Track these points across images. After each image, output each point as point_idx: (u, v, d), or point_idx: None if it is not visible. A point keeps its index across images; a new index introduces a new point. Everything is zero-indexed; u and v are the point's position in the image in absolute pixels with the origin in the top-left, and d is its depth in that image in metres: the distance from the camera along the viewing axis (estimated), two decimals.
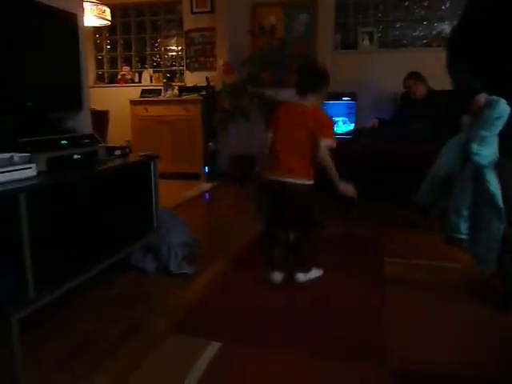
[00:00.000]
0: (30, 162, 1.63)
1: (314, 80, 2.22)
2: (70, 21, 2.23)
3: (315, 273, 2.31)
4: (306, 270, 2.28)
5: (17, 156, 1.57)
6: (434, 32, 4.80)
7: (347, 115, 4.72)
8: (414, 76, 3.64)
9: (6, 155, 1.55)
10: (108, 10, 4.35)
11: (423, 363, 1.59)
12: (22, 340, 1.51)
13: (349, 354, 1.65)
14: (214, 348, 1.67)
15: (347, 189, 2.20)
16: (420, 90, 3.62)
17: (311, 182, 2.18)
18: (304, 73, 2.30)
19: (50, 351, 1.67)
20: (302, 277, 2.26)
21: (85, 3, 3.24)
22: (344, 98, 4.72)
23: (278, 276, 2.25)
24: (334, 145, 2.18)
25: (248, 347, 1.69)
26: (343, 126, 4.66)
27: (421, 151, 3.20)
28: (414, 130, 3.46)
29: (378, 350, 1.67)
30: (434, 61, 4.51)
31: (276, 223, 2.32)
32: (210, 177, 4.99)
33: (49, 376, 1.53)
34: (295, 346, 1.70)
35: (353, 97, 4.72)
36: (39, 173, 1.65)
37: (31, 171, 1.61)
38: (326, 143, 2.12)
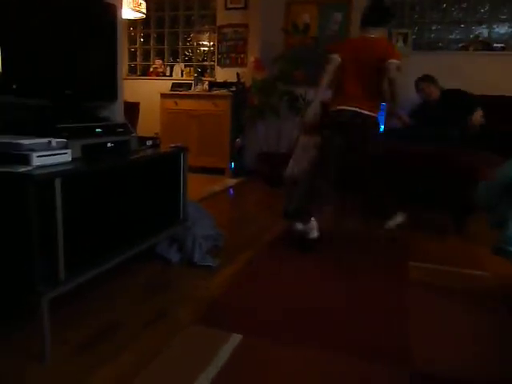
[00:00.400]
0: (66, 147, 1.67)
1: (377, 16, 2.34)
2: (109, 12, 2.27)
3: (400, 217, 2.40)
4: (391, 217, 2.39)
5: (54, 141, 1.61)
6: (471, 35, 4.69)
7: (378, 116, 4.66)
8: (427, 79, 3.57)
9: (45, 140, 1.59)
10: (144, 4, 4.41)
11: (444, 368, 1.56)
12: (51, 320, 1.55)
13: (371, 355, 1.63)
14: (235, 340, 1.68)
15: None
16: (434, 93, 3.55)
17: (376, 115, 2.32)
18: (370, 8, 2.39)
19: (77, 333, 1.71)
20: (391, 223, 2.40)
21: None
22: None
23: (301, 226, 2.39)
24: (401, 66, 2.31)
25: (269, 341, 1.70)
26: None
27: (453, 154, 3.16)
28: (451, 133, 3.39)
29: (399, 352, 1.66)
30: (470, 65, 4.46)
31: (325, 176, 2.37)
32: (235, 172, 5.01)
33: (74, 356, 1.57)
34: (318, 343, 1.70)
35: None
36: (74, 159, 1.69)
37: (67, 156, 1.64)
38: (395, 63, 2.26)
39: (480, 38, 4.61)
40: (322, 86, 2.28)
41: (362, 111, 2.22)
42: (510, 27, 4.60)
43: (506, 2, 4.54)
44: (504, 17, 4.59)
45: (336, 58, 2.25)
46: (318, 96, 2.33)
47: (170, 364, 1.55)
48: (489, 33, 4.65)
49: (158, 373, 1.50)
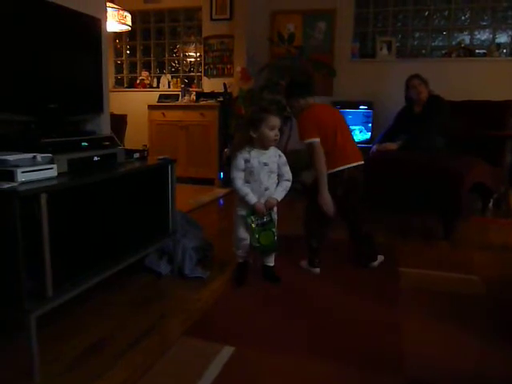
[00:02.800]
0: (51, 162, 1.65)
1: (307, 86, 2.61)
2: (94, 26, 2.27)
3: (380, 258, 2.61)
4: (376, 258, 2.58)
5: (39, 156, 1.60)
6: (453, 42, 4.77)
7: (364, 124, 4.71)
8: (420, 77, 3.61)
9: (30, 155, 1.58)
10: (129, 16, 4.42)
11: (435, 374, 1.57)
12: (39, 337, 1.53)
13: (363, 363, 1.63)
14: (227, 352, 1.67)
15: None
16: (423, 92, 3.58)
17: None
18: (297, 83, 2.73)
19: (67, 349, 1.69)
20: (376, 263, 2.57)
21: (107, 8, 3.29)
22: (361, 107, 4.72)
23: (318, 270, 2.52)
24: None
25: (261, 352, 1.69)
26: (360, 134, 4.66)
27: (440, 160, 3.19)
28: (436, 146, 3.43)
29: (392, 359, 1.65)
30: (453, 71, 4.53)
31: (328, 224, 2.55)
32: (224, 183, 5.01)
33: (64, 373, 1.55)
34: (310, 353, 1.69)
35: (370, 106, 4.71)
36: (60, 173, 1.67)
37: (52, 171, 1.63)
38: None
39: (462, 45, 4.69)
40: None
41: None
42: (490, 33, 4.69)
43: (486, 9, 4.64)
44: (485, 23, 4.69)
45: (317, 142, 2.38)
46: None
47: (161, 378, 1.53)
48: (470, 39, 4.74)
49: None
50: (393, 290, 2.28)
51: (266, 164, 2.20)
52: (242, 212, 2.23)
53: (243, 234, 2.28)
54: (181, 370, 1.58)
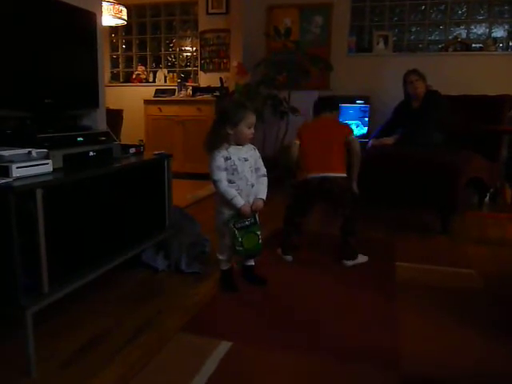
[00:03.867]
0: (46, 157, 1.64)
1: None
2: (89, 20, 2.25)
3: (361, 258, 2.59)
4: (354, 258, 2.57)
5: (35, 151, 1.59)
6: (450, 37, 4.77)
7: (361, 119, 4.71)
8: (418, 72, 3.60)
9: (25, 150, 1.56)
10: (124, 10, 4.39)
11: (432, 368, 1.57)
12: (35, 333, 1.52)
13: (359, 359, 1.63)
14: (224, 347, 1.67)
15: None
16: (421, 88, 3.57)
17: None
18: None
19: (63, 345, 1.68)
20: (350, 262, 2.56)
21: (103, 2, 3.26)
22: (358, 102, 4.71)
23: (290, 258, 2.64)
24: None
25: (258, 348, 1.69)
26: (356, 129, 4.65)
27: (437, 154, 3.19)
28: (434, 141, 3.43)
29: (389, 355, 1.66)
30: (449, 65, 4.52)
31: (301, 215, 2.70)
32: None
33: (61, 369, 1.55)
34: (307, 349, 1.69)
35: (366, 100, 4.70)
36: (55, 169, 1.66)
37: (48, 167, 1.62)
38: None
39: (459, 39, 4.69)
40: None
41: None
42: (487, 28, 4.68)
43: (482, 4, 4.63)
44: (481, 17, 4.68)
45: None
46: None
47: (158, 374, 1.53)
48: (467, 33, 4.73)
49: (147, 382, 1.48)
50: (390, 284, 2.29)
51: (246, 159, 2.08)
52: (225, 215, 2.09)
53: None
54: (178, 365, 1.58)
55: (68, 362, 1.59)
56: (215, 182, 2.06)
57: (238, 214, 2.05)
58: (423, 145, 3.39)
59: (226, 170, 2.06)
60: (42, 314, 1.57)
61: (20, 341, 1.52)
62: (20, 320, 1.48)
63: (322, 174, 2.54)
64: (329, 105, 2.80)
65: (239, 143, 2.08)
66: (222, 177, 2.05)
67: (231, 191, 2.05)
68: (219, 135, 2.07)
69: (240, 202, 2.04)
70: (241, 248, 2.05)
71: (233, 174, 2.06)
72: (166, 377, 1.51)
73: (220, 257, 2.23)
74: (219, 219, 2.14)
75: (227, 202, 2.06)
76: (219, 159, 2.05)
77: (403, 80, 3.65)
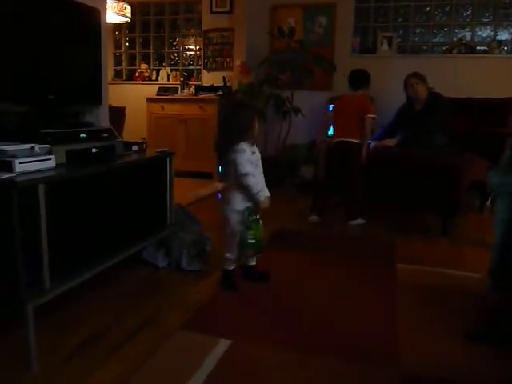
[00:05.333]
0: (49, 153, 1.64)
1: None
2: (93, 16, 2.25)
3: (360, 221, 3.34)
4: (355, 218, 3.34)
5: (38, 147, 1.59)
6: (454, 39, 4.75)
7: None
8: (417, 75, 3.60)
9: (28, 146, 1.56)
10: (128, 8, 4.39)
11: (431, 369, 1.57)
12: (36, 328, 1.52)
13: (358, 357, 1.63)
14: (223, 345, 1.67)
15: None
16: (422, 91, 3.57)
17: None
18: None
19: (64, 341, 1.69)
20: (353, 222, 3.33)
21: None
22: None
23: (316, 219, 3.42)
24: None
25: (258, 346, 1.69)
26: None
27: (439, 156, 3.19)
28: (436, 143, 3.43)
29: (389, 353, 1.66)
30: (453, 68, 4.51)
31: (328, 176, 3.45)
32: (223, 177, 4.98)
33: (61, 364, 1.55)
34: (306, 347, 1.69)
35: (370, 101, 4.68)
36: (58, 165, 1.66)
37: (51, 162, 1.62)
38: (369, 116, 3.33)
39: (463, 41, 4.67)
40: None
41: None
42: (492, 30, 4.67)
43: (488, 6, 4.62)
44: (486, 20, 4.67)
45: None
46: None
47: (158, 371, 1.53)
48: (472, 36, 4.72)
49: (147, 379, 1.48)
50: (391, 286, 2.28)
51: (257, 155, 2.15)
52: (240, 208, 2.08)
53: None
54: (178, 362, 1.58)
55: (69, 357, 1.59)
56: (245, 175, 2.03)
57: (255, 207, 2.09)
58: (425, 147, 3.38)
59: (251, 163, 2.06)
60: (43, 309, 1.56)
61: (21, 335, 1.52)
62: (21, 315, 1.48)
63: (342, 139, 3.35)
64: (353, 83, 3.41)
65: (254, 137, 2.12)
66: (251, 170, 2.04)
67: (258, 185, 2.07)
68: (249, 127, 2.08)
69: (262, 195, 2.08)
70: (253, 241, 2.06)
71: (256, 167, 2.09)
72: (166, 374, 1.51)
73: (228, 255, 2.19)
74: (234, 216, 2.10)
75: (248, 196, 2.07)
76: (249, 152, 2.05)
77: (404, 83, 3.65)
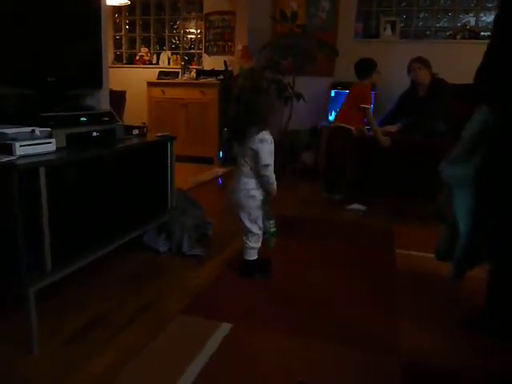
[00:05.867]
0: (50, 136, 1.63)
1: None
2: None
3: (357, 206, 3.43)
4: (351, 203, 3.45)
5: (38, 130, 1.58)
6: (458, 24, 4.69)
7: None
8: (420, 60, 3.56)
9: (28, 129, 1.55)
10: None
11: (431, 356, 1.59)
12: (38, 311, 1.53)
13: (357, 344, 1.64)
14: (225, 329, 1.68)
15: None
16: (424, 76, 3.53)
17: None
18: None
19: (64, 324, 1.70)
20: (348, 206, 3.43)
21: None
22: None
23: (337, 196, 3.60)
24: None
25: (259, 329, 1.70)
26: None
27: (436, 144, 3.18)
28: (437, 130, 3.41)
29: (387, 341, 1.67)
30: (457, 53, 4.46)
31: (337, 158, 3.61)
32: (224, 162, 4.98)
33: (62, 347, 1.56)
34: (307, 332, 1.71)
35: (372, 87, 4.65)
36: (58, 148, 1.65)
37: (51, 146, 1.61)
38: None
39: (467, 27, 4.61)
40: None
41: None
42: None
43: None
44: (491, 5, 4.60)
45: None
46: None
47: (159, 354, 1.54)
48: (476, 21, 4.66)
49: (147, 363, 1.49)
50: (391, 272, 2.29)
51: None
52: (257, 194, 2.09)
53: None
54: (179, 346, 1.59)
55: (70, 341, 1.60)
56: (267, 166, 2.03)
57: (268, 197, 2.11)
58: (426, 133, 3.37)
59: (271, 154, 2.06)
60: (43, 294, 1.57)
61: (20, 320, 1.53)
62: (22, 298, 1.48)
63: (337, 124, 3.53)
64: (358, 73, 3.51)
65: (276, 124, 2.13)
66: (271, 161, 2.04)
67: (273, 175, 2.07)
68: (271, 114, 2.10)
69: (275, 184, 2.09)
70: (274, 229, 2.13)
71: (271, 157, 2.07)
72: (167, 357, 1.53)
73: (254, 245, 2.17)
74: (252, 202, 2.10)
75: (262, 184, 2.08)
76: (272, 144, 2.05)
77: (407, 68, 3.62)
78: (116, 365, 1.47)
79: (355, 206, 3.42)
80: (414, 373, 1.50)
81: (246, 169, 2.08)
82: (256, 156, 2.02)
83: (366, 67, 3.49)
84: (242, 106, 2.04)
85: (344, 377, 1.46)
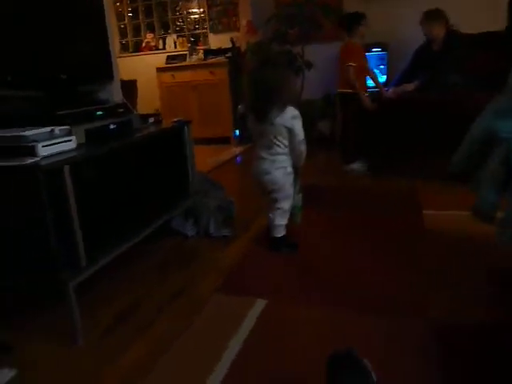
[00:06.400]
0: (69, 134, 1.66)
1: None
2: None
3: (358, 165, 3.48)
4: (352, 162, 3.52)
5: (57, 129, 1.60)
6: None
7: (378, 67, 4.55)
8: (429, 15, 3.42)
9: (47, 129, 1.58)
10: None
11: (463, 318, 1.57)
12: (78, 303, 1.58)
13: (387, 310, 1.65)
14: (260, 305, 1.71)
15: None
16: (435, 32, 3.39)
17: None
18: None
19: (104, 315, 1.75)
20: (348, 167, 3.51)
21: None
22: (374, 49, 4.54)
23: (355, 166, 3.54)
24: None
25: (292, 304, 1.72)
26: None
27: (459, 99, 3.09)
28: (452, 83, 3.31)
29: (417, 304, 1.67)
30: (473, 8, 4.27)
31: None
32: (240, 140, 4.97)
33: (104, 337, 1.62)
34: (338, 304, 1.72)
35: (384, 47, 4.53)
36: (79, 144, 1.68)
37: (72, 143, 1.64)
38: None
39: None
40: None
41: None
42: None
43: None
44: None
45: None
46: None
47: (199, 335, 1.58)
48: None
49: (192, 341, 1.54)
50: (417, 232, 2.28)
51: None
52: (291, 170, 2.12)
53: None
54: (217, 325, 1.63)
55: (111, 329, 1.66)
56: (303, 141, 2.05)
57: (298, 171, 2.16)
58: (441, 87, 3.27)
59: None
60: (81, 284, 1.62)
61: (60, 311, 1.58)
62: (63, 294, 1.53)
63: (338, 90, 3.62)
64: (344, 29, 3.51)
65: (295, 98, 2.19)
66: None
67: None
68: (292, 87, 2.20)
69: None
70: (301, 203, 2.22)
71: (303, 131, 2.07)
72: (207, 337, 1.57)
73: (283, 222, 2.18)
74: (290, 180, 2.12)
75: (298, 162, 2.11)
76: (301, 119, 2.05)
77: (419, 23, 3.50)
78: (161, 345, 1.52)
79: (355, 166, 3.46)
80: (447, 334, 1.50)
81: (280, 147, 2.05)
82: (290, 133, 2.01)
83: (348, 21, 3.51)
84: (260, 84, 1.98)
85: (378, 343, 1.46)
